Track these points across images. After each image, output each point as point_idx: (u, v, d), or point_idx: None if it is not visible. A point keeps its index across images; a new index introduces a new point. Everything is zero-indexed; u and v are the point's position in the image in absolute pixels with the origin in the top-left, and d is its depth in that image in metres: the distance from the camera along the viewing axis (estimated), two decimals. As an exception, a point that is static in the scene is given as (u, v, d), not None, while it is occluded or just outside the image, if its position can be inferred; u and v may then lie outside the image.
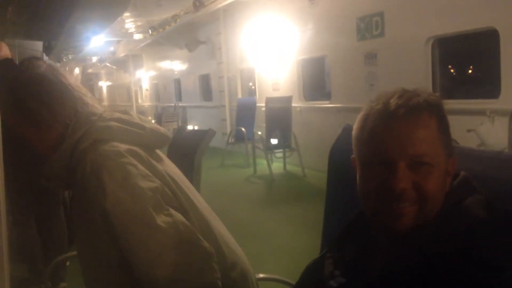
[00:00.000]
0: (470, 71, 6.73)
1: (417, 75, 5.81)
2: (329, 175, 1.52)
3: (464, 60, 6.48)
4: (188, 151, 2.32)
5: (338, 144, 1.52)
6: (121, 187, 1.30)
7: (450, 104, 5.56)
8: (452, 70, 6.46)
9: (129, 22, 12.84)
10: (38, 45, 8.39)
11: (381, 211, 0.96)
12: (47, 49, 8.78)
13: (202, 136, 2.29)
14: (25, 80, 1.42)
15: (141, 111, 11.39)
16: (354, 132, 1.03)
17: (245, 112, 9.24)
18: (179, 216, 1.35)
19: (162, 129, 1.55)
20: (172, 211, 1.35)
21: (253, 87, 10.94)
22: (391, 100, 0.95)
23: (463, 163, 1.05)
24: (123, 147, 1.37)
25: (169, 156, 2.66)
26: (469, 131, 4.21)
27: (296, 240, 4.43)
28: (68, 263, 3.34)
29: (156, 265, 1.28)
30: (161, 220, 1.30)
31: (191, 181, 2.27)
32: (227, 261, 1.49)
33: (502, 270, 0.82)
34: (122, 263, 1.32)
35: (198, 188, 2.27)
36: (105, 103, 29.16)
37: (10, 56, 3.38)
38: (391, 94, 0.97)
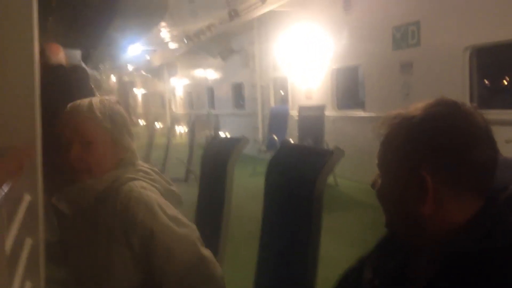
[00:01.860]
0: (508, 81, 6.57)
1: (453, 85, 5.70)
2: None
3: (503, 70, 6.33)
4: (221, 159, 2.33)
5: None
6: (171, 220, 1.45)
7: (488, 114, 5.46)
8: (489, 80, 6.31)
9: (165, 32, 13.05)
10: (77, 53, 8.63)
11: None
12: (85, 58, 9.00)
13: (235, 143, 2.30)
14: (118, 110, 1.56)
15: (175, 118, 11.56)
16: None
17: (278, 120, 9.24)
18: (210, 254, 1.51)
19: (177, 190, 1.66)
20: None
21: (284, 95, 10.93)
22: None
23: (506, 174, 1.01)
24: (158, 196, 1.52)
25: (202, 163, 2.68)
26: (508, 142, 4.10)
27: (328, 250, 4.36)
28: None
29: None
30: (204, 252, 1.47)
31: (223, 189, 2.28)
32: None
33: None
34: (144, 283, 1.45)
35: (230, 196, 2.27)
36: (140, 110, 29.64)
37: (64, 63, 3.41)
38: None
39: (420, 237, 0.96)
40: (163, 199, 1.50)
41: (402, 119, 0.97)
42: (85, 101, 1.50)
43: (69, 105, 1.52)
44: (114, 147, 1.51)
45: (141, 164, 1.59)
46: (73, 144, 1.46)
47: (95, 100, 1.51)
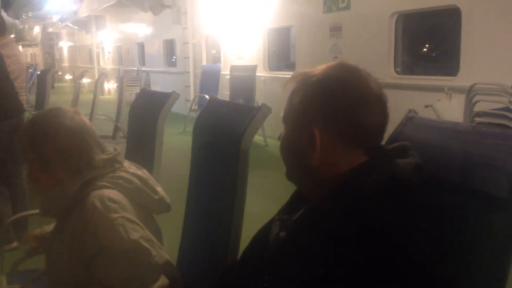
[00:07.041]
0: (431, 48, 6.87)
1: (380, 49, 5.89)
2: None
3: (427, 37, 6.60)
4: (150, 113, 2.31)
5: None
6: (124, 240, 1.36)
7: (410, 80, 5.70)
8: (414, 46, 6.57)
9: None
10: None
11: None
12: (5, 5, 8.44)
13: (165, 98, 2.27)
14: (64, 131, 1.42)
15: (103, 74, 11.04)
16: None
17: (209, 79, 9.19)
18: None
19: (167, 198, 1.58)
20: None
21: (217, 55, 10.82)
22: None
23: (422, 134, 1.08)
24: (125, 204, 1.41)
25: (131, 117, 2.64)
26: (426, 106, 4.32)
27: (257, 207, 4.47)
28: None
29: None
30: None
31: (153, 144, 2.27)
32: None
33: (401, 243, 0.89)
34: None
35: (160, 153, 2.26)
36: (66, 64, 28.30)
37: None
38: None
39: (311, 185, 1.07)
40: (131, 217, 1.39)
41: (303, 77, 1.06)
42: (29, 121, 1.46)
43: (25, 123, 1.48)
44: (63, 163, 1.41)
45: (127, 168, 1.50)
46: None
47: (37, 120, 1.45)
